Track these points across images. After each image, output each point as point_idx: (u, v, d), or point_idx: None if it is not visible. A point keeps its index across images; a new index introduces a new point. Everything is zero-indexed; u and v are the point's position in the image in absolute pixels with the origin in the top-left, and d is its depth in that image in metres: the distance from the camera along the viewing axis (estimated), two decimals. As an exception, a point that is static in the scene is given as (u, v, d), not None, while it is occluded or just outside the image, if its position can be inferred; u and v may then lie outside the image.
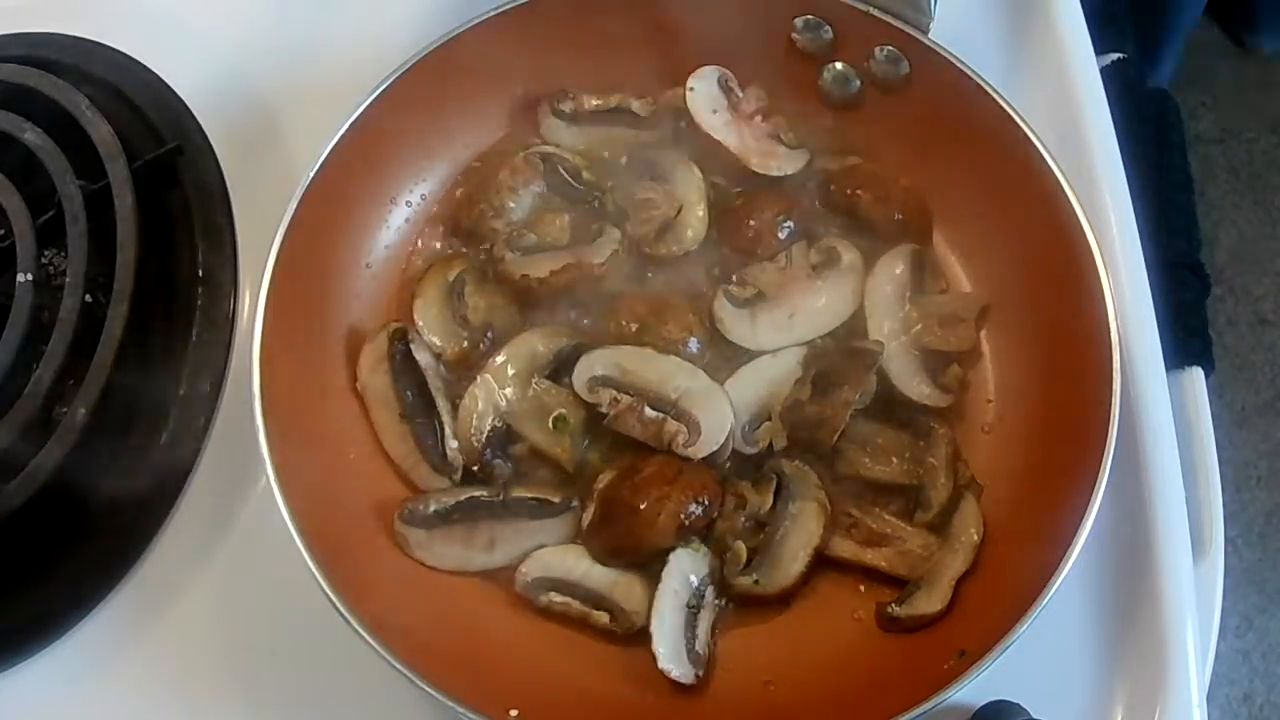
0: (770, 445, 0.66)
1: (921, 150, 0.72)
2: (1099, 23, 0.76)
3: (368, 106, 0.68)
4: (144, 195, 0.73)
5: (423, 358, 0.68)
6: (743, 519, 0.65)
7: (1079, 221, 0.63)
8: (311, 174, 0.66)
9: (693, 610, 0.63)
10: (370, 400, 0.69)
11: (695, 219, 0.71)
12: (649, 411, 0.65)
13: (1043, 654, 0.60)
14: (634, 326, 0.68)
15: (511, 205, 0.72)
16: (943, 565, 0.63)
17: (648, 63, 0.75)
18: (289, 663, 0.67)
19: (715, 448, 0.65)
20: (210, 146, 0.79)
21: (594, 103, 0.75)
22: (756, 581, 0.64)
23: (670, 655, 0.61)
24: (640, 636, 0.62)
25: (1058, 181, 0.64)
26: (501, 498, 0.66)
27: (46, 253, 0.73)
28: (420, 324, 0.70)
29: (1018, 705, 0.60)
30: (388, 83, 0.68)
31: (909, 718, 0.56)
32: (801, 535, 0.64)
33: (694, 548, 0.64)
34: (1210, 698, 0.63)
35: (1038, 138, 0.65)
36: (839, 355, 0.67)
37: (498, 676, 0.62)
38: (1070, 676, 0.64)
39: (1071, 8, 0.76)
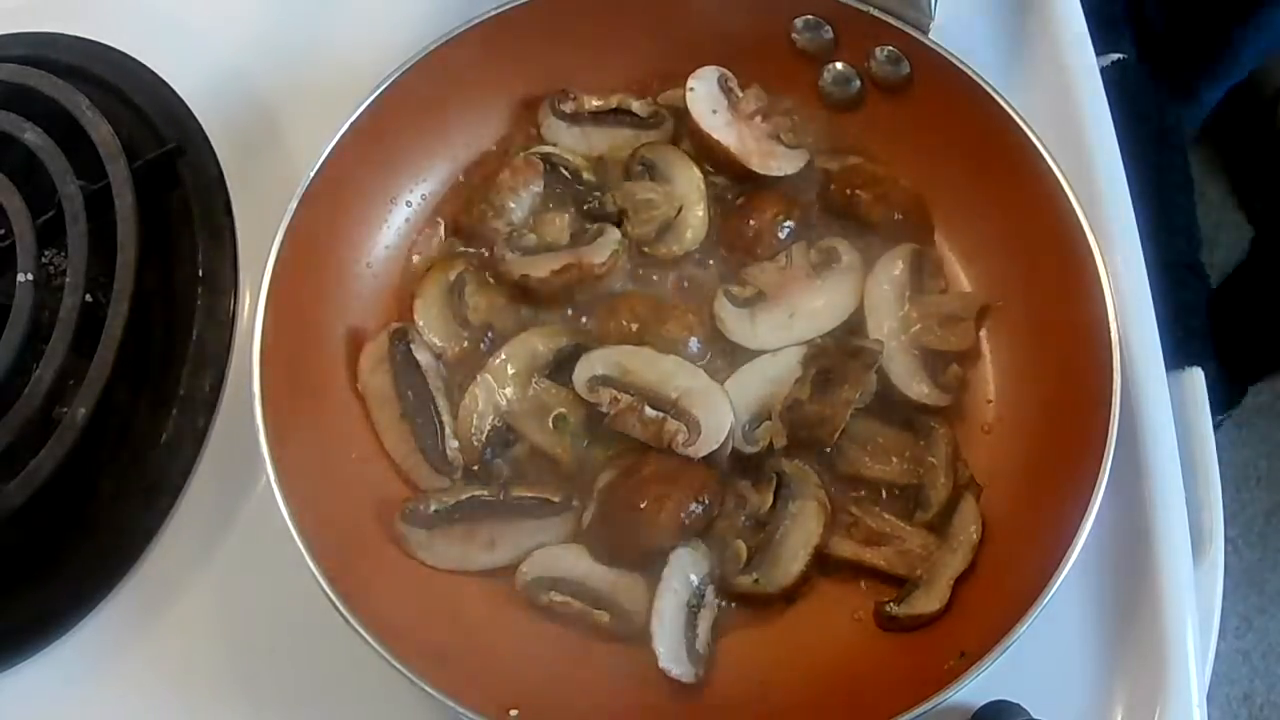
0: (770, 444, 0.66)
1: (921, 150, 0.72)
2: (1099, 23, 0.76)
3: (368, 106, 0.68)
4: (144, 195, 0.73)
5: (423, 358, 0.68)
6: (743, 518, 0.65)
7: (1079, 221, 0.63)
8: (311, 174, 0.66)
9: (693, 609, 0.63)
10: (371, 400, 0.69)
11: (695, 219, 0.71)
12: (649, 411, 0.65)
13: (1043, 654, 0.60)
14: (634, 326, 0.68)
15: (511, 205, 0.72)
16: (941, 565, 0.63)
17: (648, 63, 0.75)
18: (289, 662, 0.67)
19: (715, 447, 0.65)
20: (210, 146, 0.79)
21: (594, 103, 0.75)
22: (757, 580, 0.64)
23: (670, 654, 0.61)
24: (640, 636, 0.62)
25: (1058, 182, 0.64)
26: (502, 497, 0.66)
27: (46, 253, 0.73)
28: (421, 324, 0.70)
29: (1018, 705, 0.60)
30: (388, 83, 0.68)
31: (909, 718, 0.56)
32: (801, 534, 0.64)
33: (694, 547, 0.64)
34: (1210, 698, 0.63)
35: (1038, 138, 0.65)
36: (839, 354, 0.67)
37: (498, 676, 0.62)
38: (1070, 676, 0.64)
39: (1071, 8, 0.76)
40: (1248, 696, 1.59)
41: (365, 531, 0.65)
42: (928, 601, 0.62)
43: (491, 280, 0.71)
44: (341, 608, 0.58)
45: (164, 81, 0.81)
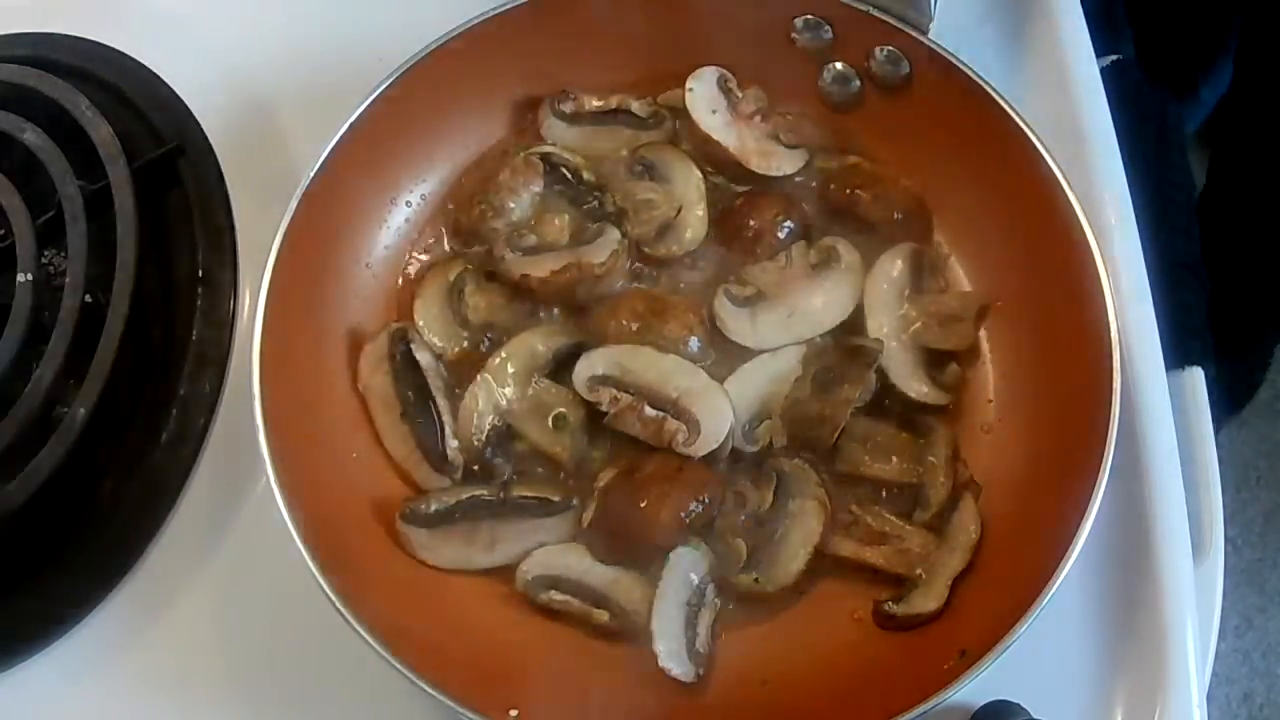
0: (770, 443, 0.66)
1: (921, 150, 0.72)
2: (1099, 23, 0.76)
3: (368, 106, 0.68)
4: (144, 195, 0.73)
5: (423, 358, 0.68)
6: (743, 517, 0.66)
7: (1079, 221, 0.63)
8: (311, 174, 0.66)
9: (693, 609, 0.63)
10: (371, 400, 0.69)
11: (695, 219, 0.72)
12: (649, 410, 0.65)
13: (1043, 654, 0.59)
14: (634, 326, 0.68)
15: (511, 205, 0.72)
16: (940, 564, 0.63)
17: (648, 63, 0.75)
18: (289, 662, 0.67)
19: (715, 446, 0.65)
20: (210, 146, 0.79)
21: (594, 103, 0.75)
22: (757, 579, 0.64)
23: (670, 654, 0.61)
24: (640, 635, 0.62)
25: (1058, 181, 0.64)
26: (502, 497, 0.66)
27: (46, 253, 0.73)
28: (421, 324, 0.70)
29: (1018, 705, 0.60)
30: (388, 83, 0.69)
31: (909, 718, 0.56)
32: (801, 533, 0.64)
33: (694, 546, 0.64)
34: (1210, 698, 0.63)
35: (1038, 138, 0.65)
36: (839, 354, 0.67)
37: (498, 676, 0.62)
38: (1070, 676, 0.64)
39: (1071, 8, 0.76)
40: (1248, 696, 1.59)
41: (366, 532, 0.65)
42: (926, 601, 0.62)
43: (492, 280, 0.71)
44: (341, 607, 0.58)
45: (164, 82, 0.81)
